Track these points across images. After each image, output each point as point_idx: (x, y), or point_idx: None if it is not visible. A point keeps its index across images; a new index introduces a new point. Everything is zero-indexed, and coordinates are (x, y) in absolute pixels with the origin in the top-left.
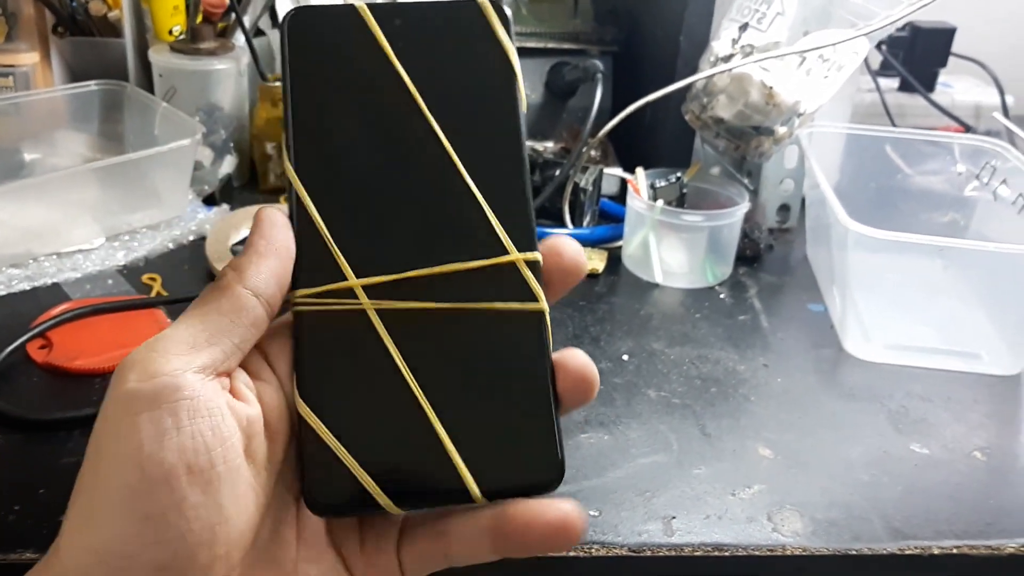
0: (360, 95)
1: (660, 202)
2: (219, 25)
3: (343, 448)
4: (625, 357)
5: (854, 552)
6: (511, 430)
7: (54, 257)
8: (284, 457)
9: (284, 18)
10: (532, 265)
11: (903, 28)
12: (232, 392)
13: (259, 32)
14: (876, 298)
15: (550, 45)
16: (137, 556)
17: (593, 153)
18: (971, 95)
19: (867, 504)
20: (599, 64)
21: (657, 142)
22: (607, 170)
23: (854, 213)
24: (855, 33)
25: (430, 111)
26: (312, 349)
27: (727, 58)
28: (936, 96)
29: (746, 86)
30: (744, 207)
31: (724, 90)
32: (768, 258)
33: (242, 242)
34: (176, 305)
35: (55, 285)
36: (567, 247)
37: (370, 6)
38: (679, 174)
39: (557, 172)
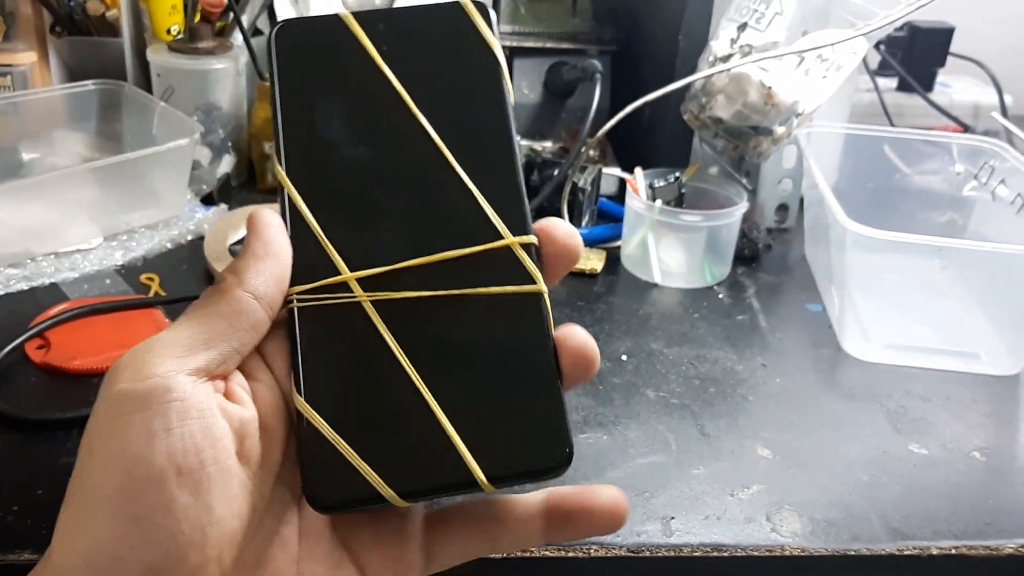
0: (348, 97)
1: (659, 202)
2: (217, 24)
3: (344, 443)
4: (624, 357)
5: (853, 552)
6: (516, 415)
7: (52, 257)
8: (283, 457)
9: (271, 31)
10: (528, 248)
11: (901, 28)
12: (227, 394)
13: (257, 31)
14: (875, 298)
15: (549, 45)
16: (127, 557)
17: (592, 153)
18: (969, 95)
19: (866, 504)
20: (598, 64)
21: (656, 142)
22: (606, 170)
23: (852, 213)
24: (854, 33)
25: (417, 106)
26: (309, 345)
27: (726, 58)
28: (934, 96)
29: (745, 86)
30: (742, 207)
31: (723, 90)
32: (766, 258)
33: (240, 242)
34: (174, 305)
35: (53, 285)
36: (560, 228)
37: (355, 14)
38: (677, 174)
39: (555, 172)
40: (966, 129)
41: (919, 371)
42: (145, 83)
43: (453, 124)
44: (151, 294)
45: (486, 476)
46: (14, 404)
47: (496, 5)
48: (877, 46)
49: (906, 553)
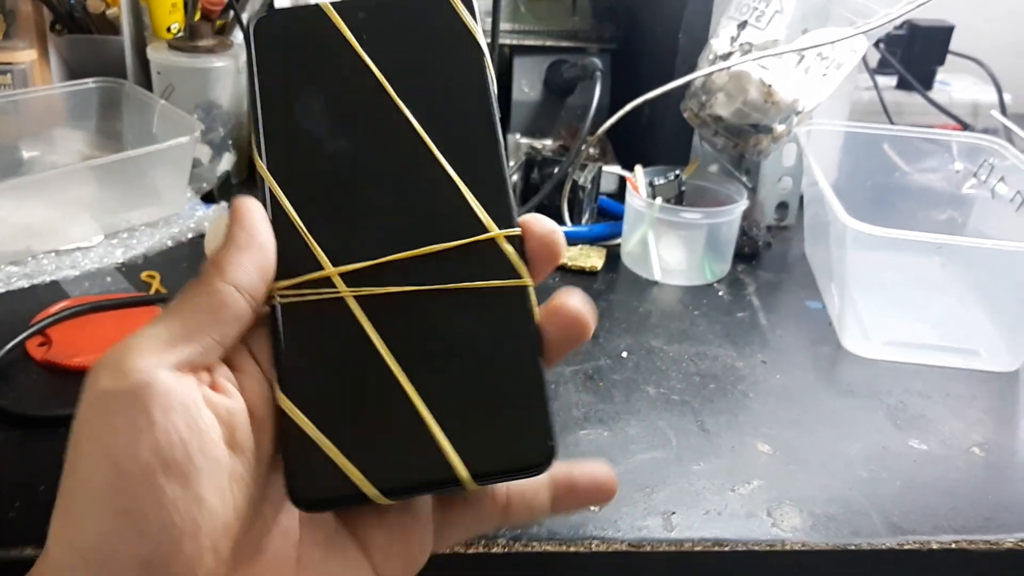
0: (329, 88)
1: (659, 199)
2: (217, 23)
3: (327, 440)
4: (624, 354)
5: (853, 547)
6: (500, 412)
7: (53, 255)
8: (276, 447)
9: (250, 23)
10: (513, 241)
11: (901, 26)
12: (213, 386)
13: None
14: (875, 295)
15: (549, 43)
16: (120, 551)
17: (592, 151)
18: (969, 93)
19: (866, 500)
20: (598, 62)
21: (655, 140)
22: (606, 168)
23: (852, 211)
24: (854, 31)
25: (399, 97)
26: (291, 341)
27: (726, 56)
28: (934, 94)
29: (745, 84)
30: (742, 205)
31: (723, 88)
32: (766, 256)
33: None
34: None
35: (54, 283)
36: (540, 224)
37: (335, 4)
38: (678, 172)
39: (556, 170)
40: (965, 127)
41: (919, 368)
42: (145, 81)
43: (436, 115)
44: (152, 292)
45: (469, 473)
46: (15, 401)
47: (496, 3)
48: (877, 44)
49: (906, 548)
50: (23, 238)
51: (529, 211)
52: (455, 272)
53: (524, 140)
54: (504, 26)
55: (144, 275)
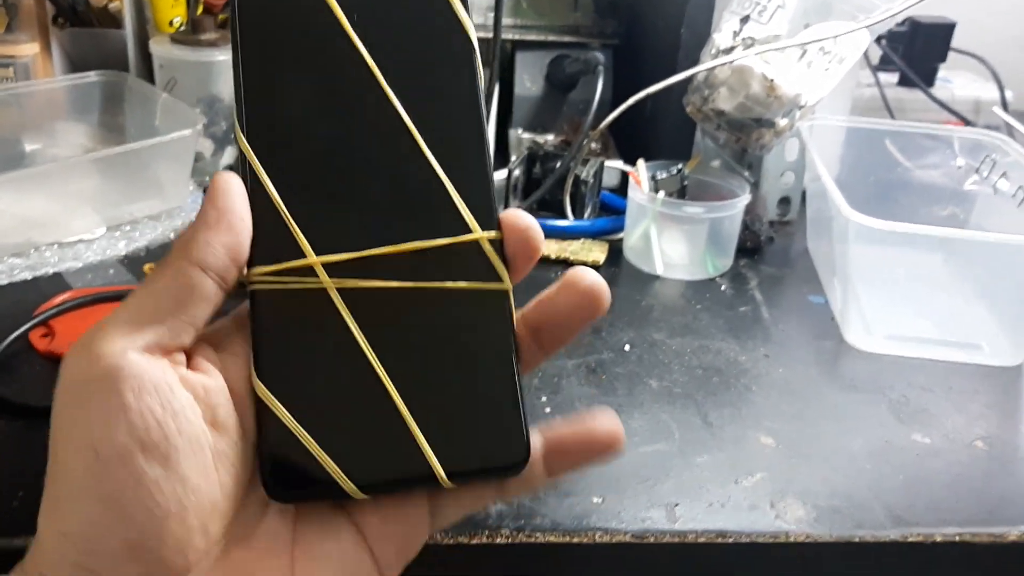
0: (316, 69)
1: (661, 194)
2: (220, 16)
3: (304, 431)
4: (627, 347)
5: (857, 539)
6: (476, 412)
7: (55, 247)
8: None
9: None
10: (495, 244)
11: (903, 23)
12: (192, 366)
13: None
14: (877, 290)
15: (551, 38)
16: (107, 536)
17: (594, 146)
18: (970, 90)
19: (869, 492)
20: (600, 56)
21: (658, 134)
22: (608, 163)
23: (854, 206)
24: (856, 25)
25: (389, 86)
26: (270, 329)
27: (728, 50)
28: (935, 91)
29: (747, 78)
30: (745, 199)
31: (725, 82)
32: (769, 250)
33: None
34: None
35: (57, 275)
36: (517, 218)
37: None
38: (680, 166)
39: (558, 164)
40: (967, 124)
41: (921, 362)
42: (147, 75)
43: (425, 108)
44: None
45: (445, 472)
46: (18, 392)
47: None
48: (878, 41)
49: (910, 540)
50: (25, 230)
51: (531, 206)
52: (437, 270)
53: (526, 135)
54: (506, 21)
55: (147, 267)
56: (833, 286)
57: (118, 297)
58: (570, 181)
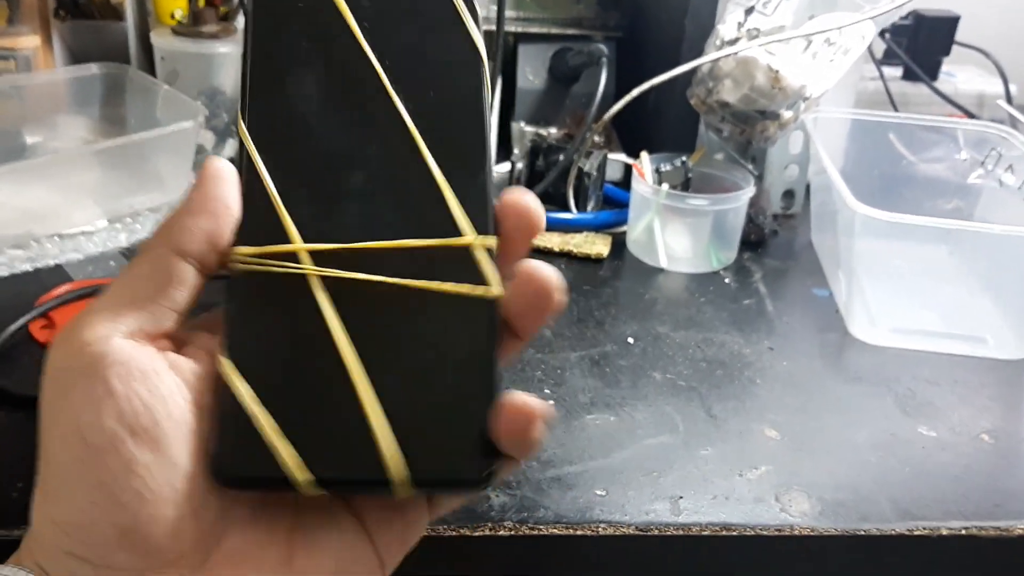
0: (322, 65)
1: (665, 186)
2: (221, 9)
3: (260, 414)
4: (631, 340)
5: (863, 532)
6: (447, 422)
7: (56, 239)
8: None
9: None
10: (488, 250)
11: (907, 17)
12: (183, 352)
13: None
14: (882, 283)
15: (554, 31)
16: (99, 522)
17: (597, 138)
18: (974, 84)
19: (875, 486)
20: (603, 49)
21: (661, 127)
22: (611, 155)
23: (859, 199)
24: (861, 16)
25: (393, 87)
26: (245, 309)
27: (732, 42)
28: (939, 85)
29: (752, 70)
30: (749, 192)
31: (730, 74)
32: (772, 243)
33: None
34: None
35: (57, 266)
36: (521, 199)
37: None
38: (684, 158)
39: (561, 157)
40: (971, 118)
41: (927, 355)
42: (149, 67)
43: (428, 112)
44: None
45: (404, 478)
46: (19, 383)
47: None
48: (882, 35)
49: (916, 534)
50: (26, 222)
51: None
52: (425, 271)
53: (529, 128)
54: (509, 13)
55: None
56: (837, 279)
57: None
58: (573, 174)
